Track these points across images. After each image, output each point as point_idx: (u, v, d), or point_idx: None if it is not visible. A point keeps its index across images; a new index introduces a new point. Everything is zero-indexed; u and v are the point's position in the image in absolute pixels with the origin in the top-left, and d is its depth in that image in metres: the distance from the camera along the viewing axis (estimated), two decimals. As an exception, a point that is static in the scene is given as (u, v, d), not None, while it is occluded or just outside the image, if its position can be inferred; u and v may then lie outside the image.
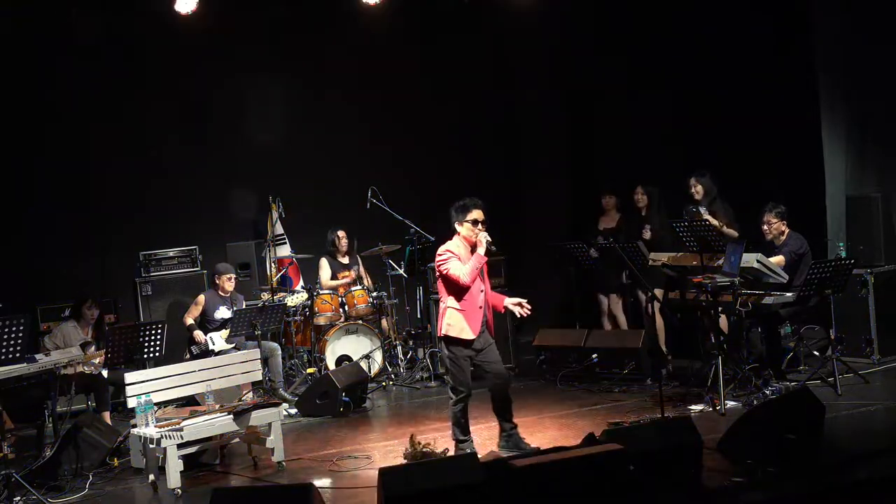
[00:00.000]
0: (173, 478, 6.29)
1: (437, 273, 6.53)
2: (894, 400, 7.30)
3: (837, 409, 7.00)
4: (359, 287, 9.72)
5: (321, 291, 9.58)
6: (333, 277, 9.80)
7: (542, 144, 11.32)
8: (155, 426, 6.40)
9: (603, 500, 5.10)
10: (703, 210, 8.21)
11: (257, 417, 6.69)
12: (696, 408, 7.39)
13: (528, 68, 11.26)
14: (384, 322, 9.77)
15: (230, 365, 7.18)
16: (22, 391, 6.84)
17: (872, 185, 8.93)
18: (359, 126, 10.68)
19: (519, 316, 6.71)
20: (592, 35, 10.63)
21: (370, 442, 7.33)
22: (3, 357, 6.16)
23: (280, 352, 8.94)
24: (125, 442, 7.10)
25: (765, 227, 8.00)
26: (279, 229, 9.91)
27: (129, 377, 6.70)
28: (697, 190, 8.47)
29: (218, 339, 8.72)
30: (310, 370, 9.30)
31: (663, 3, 9.85)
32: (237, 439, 6.96)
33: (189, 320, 8.82)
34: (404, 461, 6.41)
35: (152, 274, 9.62)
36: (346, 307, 9.57)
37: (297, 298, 9.35)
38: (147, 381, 6.74)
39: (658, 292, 8.40)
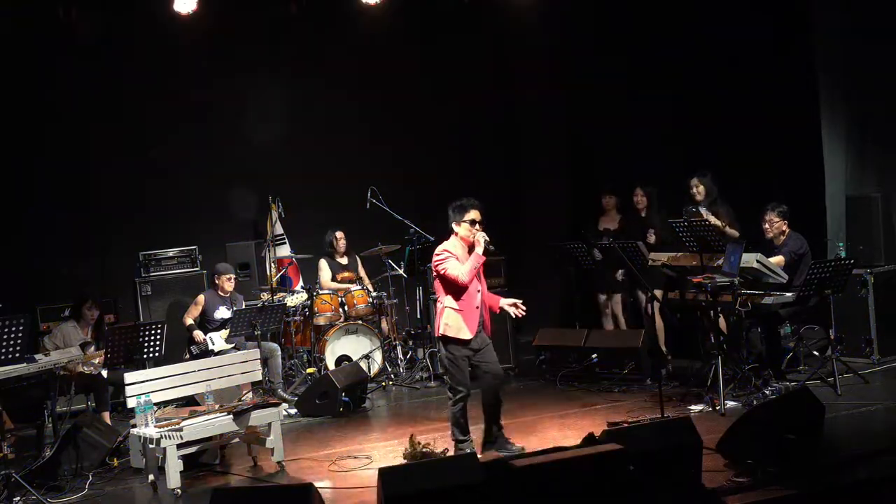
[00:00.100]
0: (173, 478, 6.29)
1: (435, 273, 6.54)
2: (894, 400, 7.30)
3: (837, 409, 7.00)
4: (358, 287, 9.72)
5: (321, 292, 9.58)
6: (333, 278, 9.81)
7: (542, 144, 11.30)
8: (154, 426, 6.40)
9: (603, 500, 5.09)
10: (703, 210, 8.21)
11: (257, 417, 6.69)
12: (696, 408, 7.39)
13: (528, 68, 11.23)
14: (384, 322, 9.77)
15: (230, 365, 7.18)
16: (22, 391, 6.85)
17: (872, 185, 8.93)
18: (359, 126, 10.67)
19: (514, 316, 6.73)
20: (592, 35, 10.60)
21: (370, 442, 7.33)
22: (2, 357, 6.16)
23: (280, 352, 8.94)
24: (125, 442, 7.10)
25: (766, 225, 7.99)
26: (279, 229, 9.91)
27: (129, 377, 6.70)
28: (699, 190, 8.46)
29: (217, 340, 8.71)
30: (309, 370, 9.30)
31: (663, 3, 9.84)
32: (237, 439, 6.96)
33: (189, 320, 8.82)
34: (404, 461, 6.41)
35: (152, 274, 9.62)
36: (346, 307, 9.57)
37: (296, 298, 9.34)
38: (147, 381, 6.74)
39: (658, 292, 8.40)
